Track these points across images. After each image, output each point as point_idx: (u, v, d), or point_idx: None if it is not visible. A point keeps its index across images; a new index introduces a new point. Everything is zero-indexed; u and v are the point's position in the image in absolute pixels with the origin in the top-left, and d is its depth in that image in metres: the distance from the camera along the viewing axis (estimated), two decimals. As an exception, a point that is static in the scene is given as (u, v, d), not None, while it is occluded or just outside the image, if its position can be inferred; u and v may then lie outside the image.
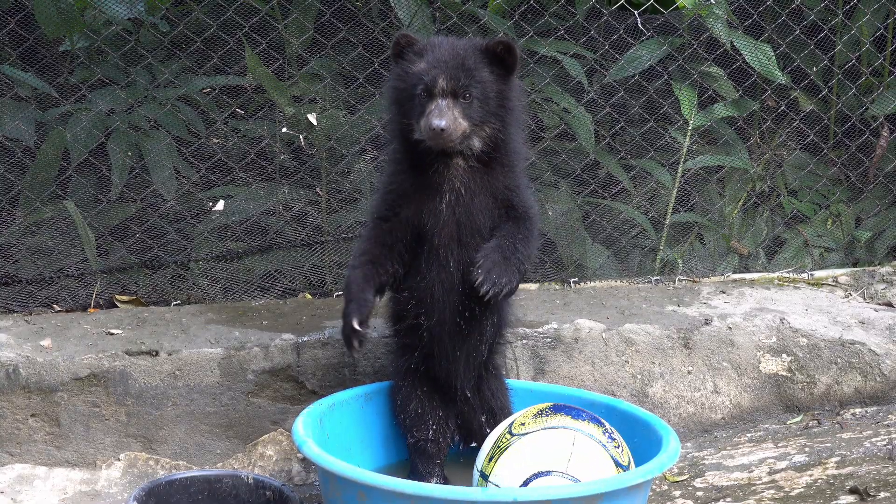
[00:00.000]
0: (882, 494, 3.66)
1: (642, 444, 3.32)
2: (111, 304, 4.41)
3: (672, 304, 4.58)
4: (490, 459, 3.18)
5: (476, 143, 3.35)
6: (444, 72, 3.27)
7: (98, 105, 4.47)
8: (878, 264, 5.27)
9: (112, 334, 4.04)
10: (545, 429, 3.15)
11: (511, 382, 3.75)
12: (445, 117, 3.23)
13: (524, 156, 3.59)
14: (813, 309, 4.65)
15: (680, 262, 5.12)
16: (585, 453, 3.09)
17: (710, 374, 4.33)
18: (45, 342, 3.95)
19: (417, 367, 3.54)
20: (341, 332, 3.43)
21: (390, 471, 3.56)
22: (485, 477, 3.18)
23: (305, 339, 4.04)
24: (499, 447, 3.18)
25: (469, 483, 3.34)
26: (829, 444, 4.08)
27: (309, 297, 4.60)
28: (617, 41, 4.96)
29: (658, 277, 4.98)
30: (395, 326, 3.63)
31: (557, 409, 3.22)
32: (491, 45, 3.35)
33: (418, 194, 3.40)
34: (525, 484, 3.06)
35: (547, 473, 3.06)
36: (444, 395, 3.55)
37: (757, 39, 5.10)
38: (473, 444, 3.56)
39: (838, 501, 3.66)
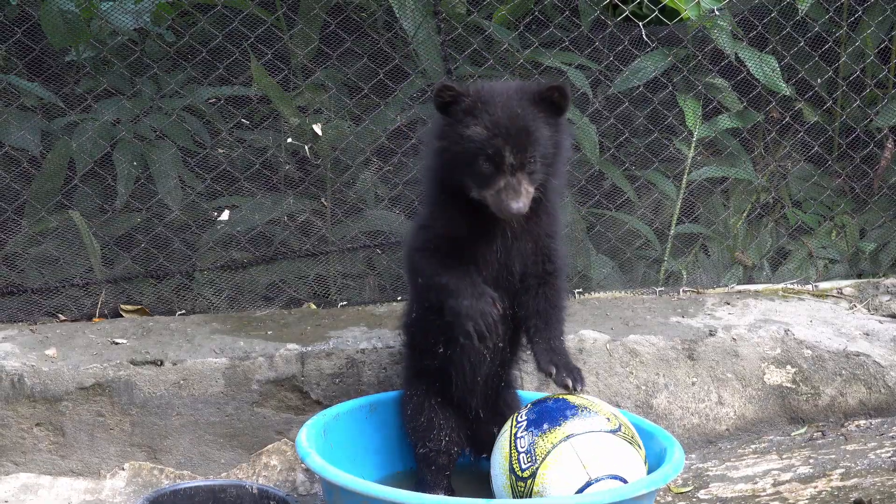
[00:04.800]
0: (887, 506, 3.66)
1: (647, 455, 3.32)
2: (116, 314, 4.42)
3: (676, 315, 4.57)
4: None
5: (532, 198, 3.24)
6: (509, 142, 3.10)
7: (104, 115, 4.49)
8: (883, 276, 5.27)
9: (117, 344, 4.05)
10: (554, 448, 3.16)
11: (520, 393, 3.75)
12: (522, 199, 3.11)
13: (563, 192, 3.55)
14: (817, 320, 4.65)
15: (684, 273, 5.12)
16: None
17: (714, 386, 4.32)
18: (50, 351, 3.95)
19: (431, 380, 3.52)
20: (471, 314, 3.22)
21: (395, 481, 3.55)
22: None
23: (310, 349, 4.05)
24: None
25: (475, 494, 3.33)
26: (833, 456, 4.07)
27: (313, 306, 4.61)
28: (621, 52, 4.97)
29: (662, 288, 4.98)
30: (412, 343, 3.60)
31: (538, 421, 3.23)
32: (544, 91, 3.18)
33: (468, 238, 3.30)
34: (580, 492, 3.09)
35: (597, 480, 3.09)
36: (457, 407, 3.54)
37: (761, 51, 5.11)
38: (484, 456, 3.53)
39: (843, 513, 3.67)
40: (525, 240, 3.33)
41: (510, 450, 3.21)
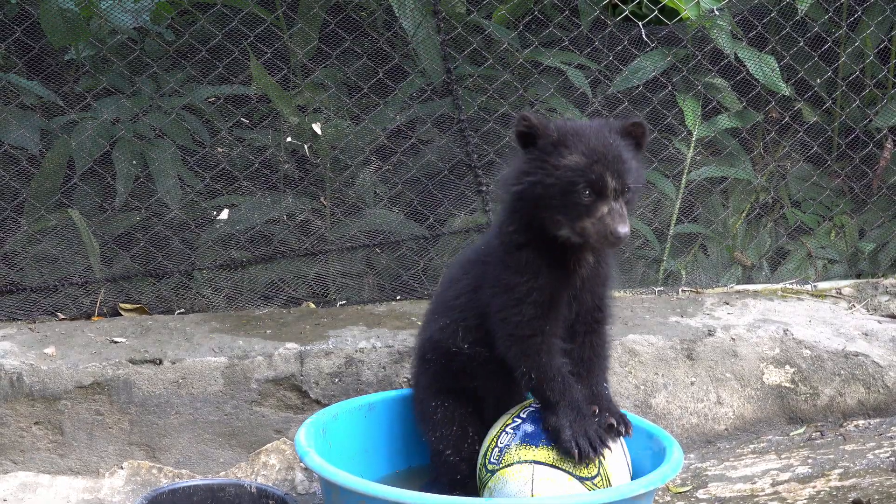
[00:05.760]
0: (885, 506, 3.66)
1: (645, 454, 3.32)
2: (115, 313, 4.42)
3: (675, 314, 4.58)
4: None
5: None
6: (609, 168, 3.04)
7: (103, 114, 4.49)
8: (882, 276, 5.27)
9: (116, 342, 4.05)
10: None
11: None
12: (627, 224, 3.03)
13: None
14: (816, 320, 4.65)
15: (683, 272, 5.12)
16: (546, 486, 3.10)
17: (713, 385, 4.33)
18: (49, 350, 3.95)
19: (459, 395, 3.45)
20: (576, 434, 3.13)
21: (394, 481, 3.55)
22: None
23: (309, 348, 4.05)
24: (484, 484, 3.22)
25: None
26: (832, 456, 4.07)
27: (312, 306, 4.61)
28: (621, 52, 4.97)
29: (661, 288, 4.98)
30: (435, 361, 3.49)
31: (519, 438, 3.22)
32: (629, 127, 3.15)
33: (558, 290, 3.21)
34: None
35: None
36: (481, 416, 3.47)
37: (761, 51, 5.12)
38: None
39: (841, 513, 3.67)
40: (590, 290, 3.27)
41: (494, 437, 3.24)
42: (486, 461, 3.23)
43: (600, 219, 3.03)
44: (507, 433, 3.22)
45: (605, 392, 3.27)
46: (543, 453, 3.13)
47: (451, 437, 3.41)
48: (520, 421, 3.23)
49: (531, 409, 3.26)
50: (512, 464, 3.14)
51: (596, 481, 3.11)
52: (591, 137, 3.09)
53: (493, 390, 3.41)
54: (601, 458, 3.12)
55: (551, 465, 3.11)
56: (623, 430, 3.18)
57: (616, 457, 3.17)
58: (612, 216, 3.03)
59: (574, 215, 3.06)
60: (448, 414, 3.44)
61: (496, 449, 3.21)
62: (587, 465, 3.10)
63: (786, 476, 3.94)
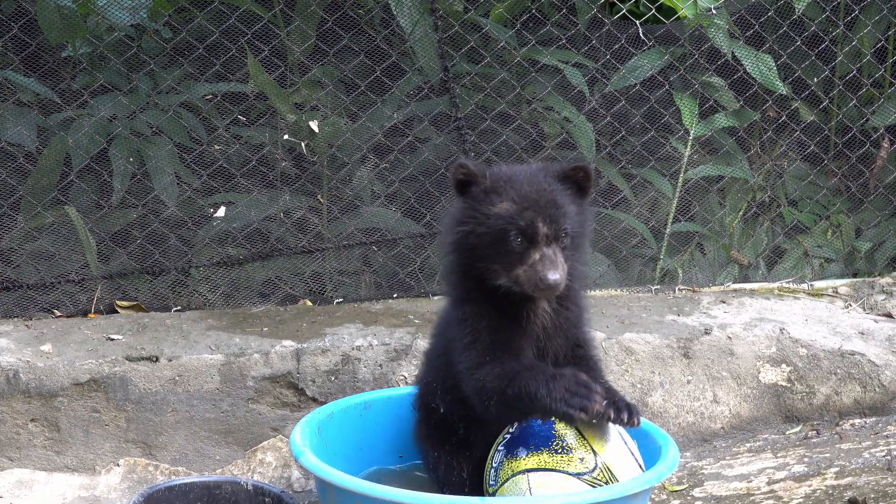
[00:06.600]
0: (881, 505, 3.67)
1: (641, 453, 3.32)
2: (112, 310, 4.42)
3: (672, 313, 4.58)
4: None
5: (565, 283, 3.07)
6: (540, 214, 2.97)
7: (100, 111, 4.49)
8: (878, 275, 5.27)
9: (112, 340, 4.05)
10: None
11: None
12: (559, 270, 2.96)
13: (585, 280, 3.40)
14: (813, 319, 4.65)
15: (680, 271, 5.13)
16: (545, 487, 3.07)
17: (709, 384, 4.33)
18: (46, 347, 3.95)
19: (455, 442, 3.39)
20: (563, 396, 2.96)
21: (390, 479, 3.55)
22: None
23: (305, 345, 4.05)
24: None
25: None
26: (828, 455, 4.08)
27: (309, 303, 4.61)
28: (618, 51, 4.98)
29: (658, 287, 4.98)
30: (427, 420, 3.46)
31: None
32: (568, 171, 3.08)
33: (503, 338, 3.12)
34: None
35: None
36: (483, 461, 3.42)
37: (758, 50, 5.12)
38: None
39: (837, 512, 3.67)
40: (559, 336, 3.21)
41: (490, 458, 3.21)
42: (487, 484, 3.21)
43: (532, 265, 2.97)
44: (498, 451, 3.19)
45: (606, 385, 3.14)
46: (534, 460, 3.09)
47: (456, 483, 3.37)
48: (508, 437, 3.19)
49: (515, 424, 3.23)
50: (507, 479, 3.11)
51: (596, 475, 3.05)
52: (523, 183, 3.03)
53: (482, 440, 3.33)
54: (594, 452, 3.06)
55: (544, 470, 3.07)
56: (636, 420, 2.99)
57: (616, 448, 3.11)
58: (543, 262, 2.97)
59: (508, 263, 3.01)
60: (448, 460, 3.39)
61: (492, 470, 3.18)
62: (582, 461, 3.04)
63: (782, 475, 3.94)
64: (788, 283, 5.15)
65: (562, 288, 3.00)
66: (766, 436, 4.31)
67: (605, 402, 2.95)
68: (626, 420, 2.98)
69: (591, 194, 3.18)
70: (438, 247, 4.67)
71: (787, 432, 4.34)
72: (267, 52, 4.61)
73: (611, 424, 3.08)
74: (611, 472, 3.07)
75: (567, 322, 3.22)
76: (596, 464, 3.07)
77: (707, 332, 4.39)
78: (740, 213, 5.34)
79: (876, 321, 4.71)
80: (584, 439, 3.08)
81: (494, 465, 3.18)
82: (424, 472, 3.54)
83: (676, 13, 4.97)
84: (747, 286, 5.09)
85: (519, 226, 2.98)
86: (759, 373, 4.37)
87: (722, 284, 5.09)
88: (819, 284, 5.15)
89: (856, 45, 5.30)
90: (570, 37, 4.96)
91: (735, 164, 5.24)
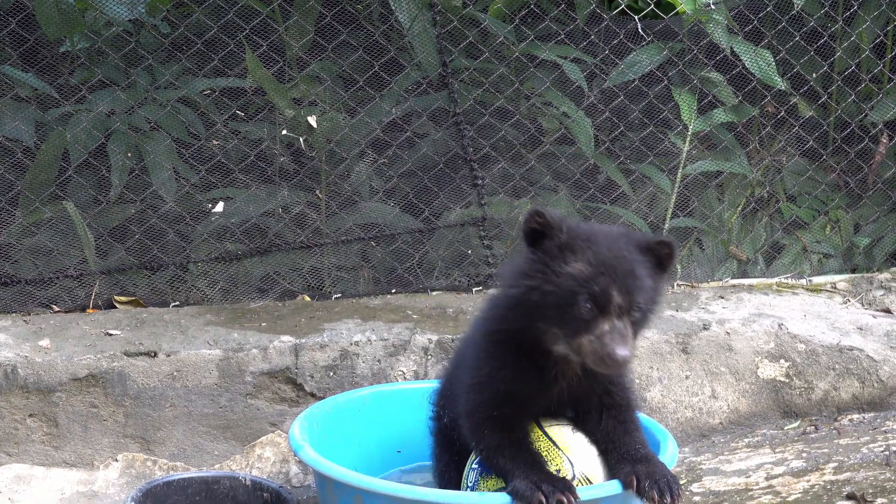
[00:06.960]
0: (879, 500, 3.66)
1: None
2: (110, 305, 4.41)
3: (671, 309, 4.58)
4: None
5: None
6: (616, 282, 2.74)
7: (98, 106, 4.48)
8: (877, 270, 5.28)
9: (111, 335, 4.04)
10: None
11: None
12: (629, 346, 2.72)
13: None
14: (811, 315, 4.65)
15: (679, 267, 5.13)
16: None
17: (708, 379, 4.33)
18: (44, 342, 3.95)
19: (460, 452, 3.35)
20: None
21: (388, 474, 3.56)
22: None
23: (304, 341, 4.05)
24: None
25: None
26: (826, 450, 4.08)
27: (307, 299, 4.61)
28: (617, 46, 4.97)
29: (657, 282, 4.98)
30: (438, 428, 3.42)
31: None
32: (654, 244, 2.87)
33: (525, 392, 3.00)
34: None
35: None
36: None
37: (757, 45, 5.11)
38: None
39: (835, 507, 3.68)
40: (587, 397, 3.05)
41: (465, 477, 3.17)
42: None
43: (599, 336, 2.74)
44: (472, 470, 3.13)
45: (640, 453, 2.98)
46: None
47: (454, 485, 3.32)
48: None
49: None
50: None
51: (574, 485, 2.94)
52: (602, 246, 2.80)
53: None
54: (571, 462, 2.99)
55: None
56: (667, 500, 2.81)
57: (592, 458, 3.04)
58: (613, 336, 2.73)
59: (571, 330, 2.77)
60: (448, 460, 3.36)
61: (468, 489, 3.13)
62: (558, 472, 2.97)
63: (780, 470, 3.95)
64: (787, 278, 5.15)
65: (629, 362, 2.78)
66: (764, 431, 4.32)
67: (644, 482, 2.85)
68: (656, 500, 2.83)
69: (671, 272, 3.04)
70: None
71: (786, 427, 4.34)
72: (265, 47, 4.60)
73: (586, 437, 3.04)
74: (590, 481, 3.02)
75: (590, 391, 3.04)
76: (574, 474, 3.02)
77: (705, 327, 4.39)
78: (739, 209, 5.34)
79: (874, 317, 4.71)
80: (559, 450, 3.04)
81: (469, 483, 3.12)
82: (424, 467, 3.54)
83: (675, 8, 4.97)
84: (746, 282, 5.09)
85: (592, 291, 2.74)
86: (757, 368, 4.37)
87: (720, 280, 5.10)
88: (817, 280, 5.15)
89: (854, 41, 5.30)
90: (568, 32, 4.95)
91: (734, 160, 5.24)
